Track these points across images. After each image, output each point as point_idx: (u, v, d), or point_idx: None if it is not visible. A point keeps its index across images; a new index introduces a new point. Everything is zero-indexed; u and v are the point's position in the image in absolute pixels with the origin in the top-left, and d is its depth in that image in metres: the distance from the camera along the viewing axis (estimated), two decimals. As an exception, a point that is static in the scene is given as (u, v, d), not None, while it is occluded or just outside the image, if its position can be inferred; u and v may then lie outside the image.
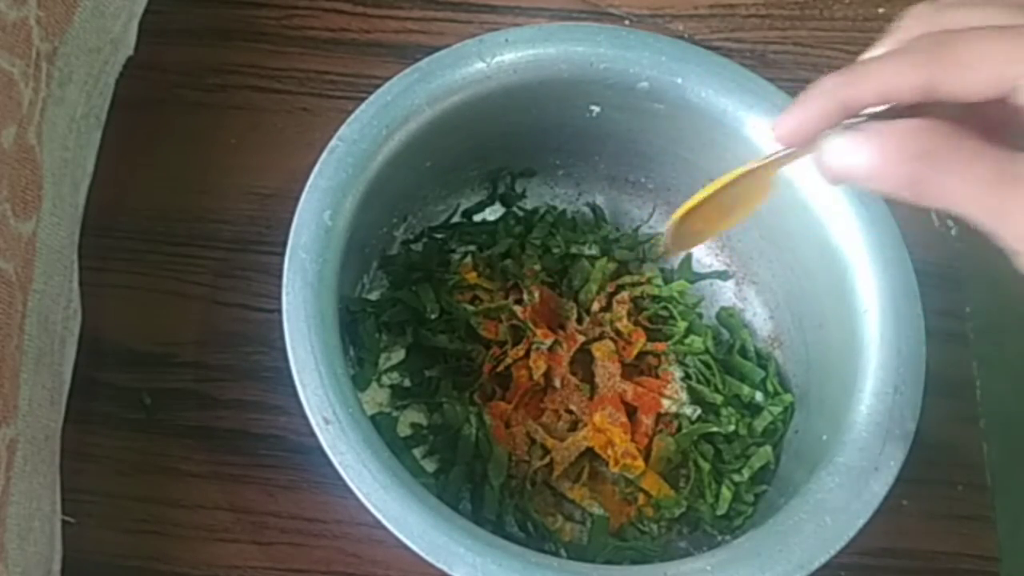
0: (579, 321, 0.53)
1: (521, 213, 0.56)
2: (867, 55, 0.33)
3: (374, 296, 0.53)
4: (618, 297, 0.54)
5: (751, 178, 0.38)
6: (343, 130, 0.47)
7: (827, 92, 0.32)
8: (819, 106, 0.32)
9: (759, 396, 0.52)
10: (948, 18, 0.32)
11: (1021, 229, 0.29)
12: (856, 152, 0.30)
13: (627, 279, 0.54)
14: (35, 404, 0.45)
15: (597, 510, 0.50)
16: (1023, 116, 0.30)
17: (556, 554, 0.48)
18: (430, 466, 0.50)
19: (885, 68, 0.31)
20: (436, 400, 0.51)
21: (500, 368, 0.51)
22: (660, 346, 0.53)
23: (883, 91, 0.31)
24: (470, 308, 0.52)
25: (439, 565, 0.39)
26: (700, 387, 0.52)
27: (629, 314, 0.53)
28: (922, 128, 0.29)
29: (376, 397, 0.51)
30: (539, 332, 0.51)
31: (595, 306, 0.53)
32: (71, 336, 0.49)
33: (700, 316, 0.55)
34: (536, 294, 0.52)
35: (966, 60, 0.30)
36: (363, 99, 0.48)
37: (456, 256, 0.55)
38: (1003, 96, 0.30)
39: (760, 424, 0.51)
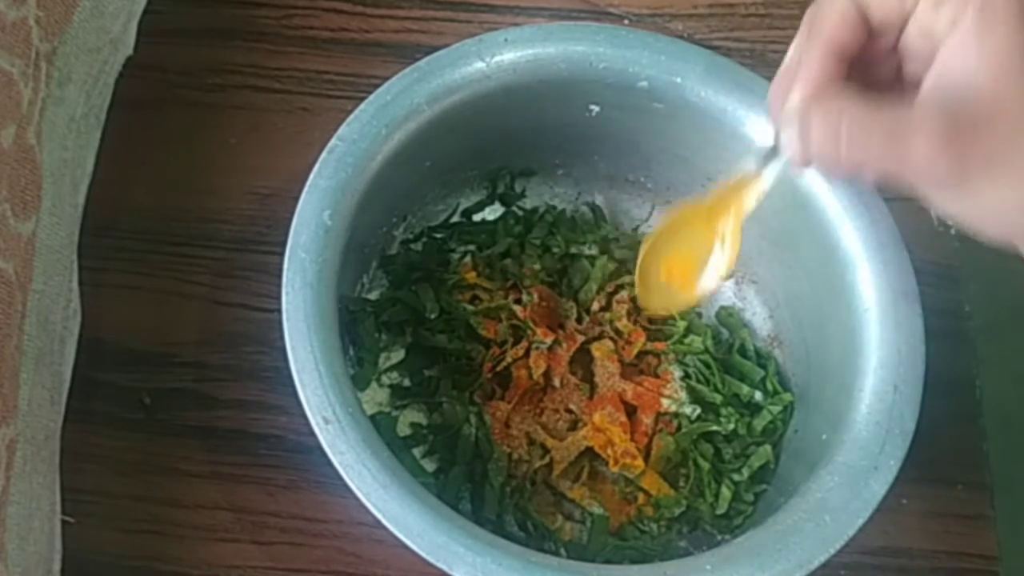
0: (579, 321, 0.53)
1: (521, 213, 0.56)
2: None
3: (374, 296, 0.53)
4: (617, 297, 0.54)
5: (714, 217, 0.41)
6: (343, 130, 0.47)
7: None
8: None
9: (759, 395, 0.52)
10: None
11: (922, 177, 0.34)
12: (793, 140, 0.36)
13: (627, 279, 0.54)
14: (35, 404, 0.45)
15: (597, 509, 0.50)
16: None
17: (556, 553, 0.48)
18: (430, 466, 0.50)
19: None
20: (436, 400, 0.51)
21: (500, 368, 0.51)
22: (660, 345, 0.53)
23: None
24: (470, 308, 0.52)
25: (439, 565, 0.39)
26: (700, 386, 0.52)
27: (629, 313, 0.53)
28: (830, 112, 0.35)
29: (376, 397, 0.51)
30: (539, 332, 0.51)
31: (595, 305, 0.53)
32: (71, 336, 0.49)
33: (700, 315, 0.55)
34: (536, 294, 0.52)
35: None
36: (363, 99, 0.48)
37: (456, 256, 0.55)
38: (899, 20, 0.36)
39: (760, 423, 0.51)
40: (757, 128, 0.48)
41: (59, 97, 0.48)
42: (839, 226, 0.47)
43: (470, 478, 0.49)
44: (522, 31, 0.49)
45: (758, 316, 0.55)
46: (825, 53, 0.36)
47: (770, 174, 0.40)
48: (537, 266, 0.54)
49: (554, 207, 0.56)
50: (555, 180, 0.57)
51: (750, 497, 0.50)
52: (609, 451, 0.50)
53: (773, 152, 0.40)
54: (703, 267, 0.42)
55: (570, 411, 0.51)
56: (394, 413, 0.51)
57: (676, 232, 0.42)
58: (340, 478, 0.41)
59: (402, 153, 0.48)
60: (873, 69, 0.38)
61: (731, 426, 0.51)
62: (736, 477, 0.50)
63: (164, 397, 0.52)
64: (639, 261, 0.42)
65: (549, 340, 0.51)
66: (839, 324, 0.47)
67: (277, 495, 0.51)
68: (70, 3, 0.47)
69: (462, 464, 0.49)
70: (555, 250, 0.54)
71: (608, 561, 0.48)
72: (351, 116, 0.47)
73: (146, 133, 0.58)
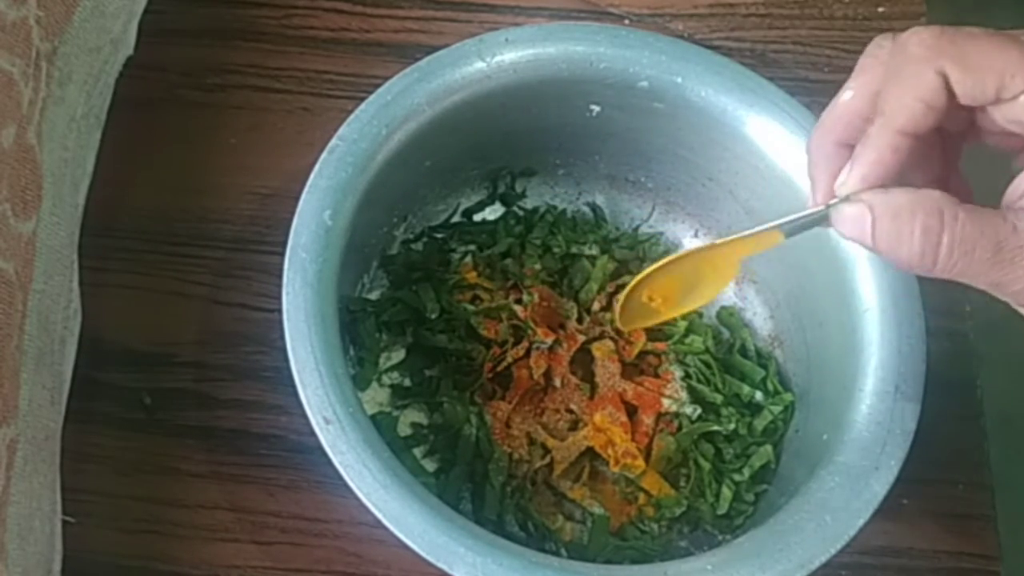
0: (579, 320, 0.53)
1: (521, 213, 0.56)
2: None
3: (374, 296, 0.53)
4: (618, 296, 0.54)
5: (718, 255, 0.38)
6: (343, 130, 0.47)
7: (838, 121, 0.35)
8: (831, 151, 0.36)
9: (759, 395, 0.51)
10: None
11: (1016, 288, 0.33)
12: (863, 227, 0.34)
13: (627, 278, 0.54)
14: (35, 404, 0.45)
15: (597, 510, 0.50)
16: (997, 123, 0.33)
17: (556, 554, 0.48)
18: (430, 466, 0.50)
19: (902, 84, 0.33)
20: (436, 400, 0.51)
21: (500, 368, 0.51)
22: (660, 345, 0.53)
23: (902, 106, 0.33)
24: (470, 308, 0.52)
25: (439, 565, 0.39)
26: (700, 386, 0.52)
27: (629, 313, 0.53)
28: (925, 211, 0.33)
29: (376, 397, 0.51)
30: (539, 332, 0.51)
31: (595, 305, 0.53)
32: (71, 336, 0.49)
33: (700, 315, 0.55)
34: (536, 294, 0.52)
35: (975, 63, 0.32)
36: (363, 99, 0.48)
37: (456, 256, 0.55)
38: (991, 102, 0.32)
39: (760, 423, 0.51)
40: (757, 127, 0.48)
41: (59, 97, 0.48)
42: (840, 226, 0.47)
43: (471, 478, 0.49)
44: (522, 31, 0.49)
45: (759, 316, 0.55)
46: (897, 136, 0.33)
47: (795, 233, 0.38)
48: (538, 266, 0.54)
49: (555, 207, 0.56)
50: (555, 180, 0.57)
51: (751, 497, 0.50)
52: (610, 451, 0.50)
53: (811, 220, 0.37)
54: (687, 292, 0.40)
55: (571, 411, 0.51)
56: (395, 413, 0.51)
57: (669, 264, 0.40)
58: (340, 478, 0.41)
59: (402, 153, 0.48)
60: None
61: (732, 426, 0.51)
62: (737, 477, 0.50)
63: (164, 397, 0.52)
64: (627, 288, 0.41)
65: (550, 340, 0.51)
66: (839, 324, 0.47)
67: (277, 495, 0.51)
68: (70, 3, 0.47)
69: (463, 464, 0.49)
70: (556, 250, 0.54)
71: (609, 561, 0.48)
72: (351, 116, 0.47)
73: (146, 133, 0.58)
